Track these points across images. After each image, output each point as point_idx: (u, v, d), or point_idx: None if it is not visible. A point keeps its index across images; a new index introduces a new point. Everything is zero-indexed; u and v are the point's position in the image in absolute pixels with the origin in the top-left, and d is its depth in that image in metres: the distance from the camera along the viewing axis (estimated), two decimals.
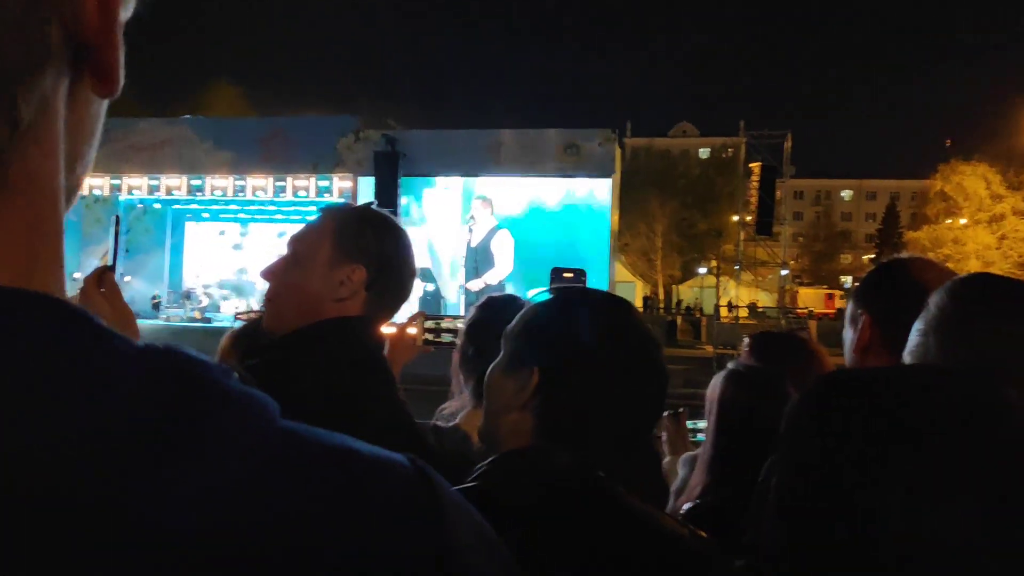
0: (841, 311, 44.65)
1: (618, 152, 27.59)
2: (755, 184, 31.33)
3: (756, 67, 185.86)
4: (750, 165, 31.04)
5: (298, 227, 1.47)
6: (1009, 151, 53.58)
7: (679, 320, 40.97)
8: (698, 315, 45.47)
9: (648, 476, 1.99)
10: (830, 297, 55.97)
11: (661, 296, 53.06)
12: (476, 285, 25.13)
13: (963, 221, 49.84)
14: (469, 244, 25.09)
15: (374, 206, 1.56)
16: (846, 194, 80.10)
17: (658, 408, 1.15)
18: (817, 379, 0.81)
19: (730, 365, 1.85)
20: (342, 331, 1.39)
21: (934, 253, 49.39)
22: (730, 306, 41.14)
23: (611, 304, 1.15)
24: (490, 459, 1.04)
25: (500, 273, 25.01)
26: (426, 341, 2.20)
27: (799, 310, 51.18)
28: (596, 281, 25.12)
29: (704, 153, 67.61)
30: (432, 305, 25.11)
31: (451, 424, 1.88)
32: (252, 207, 25.11)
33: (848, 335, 1.59)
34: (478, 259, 24.98)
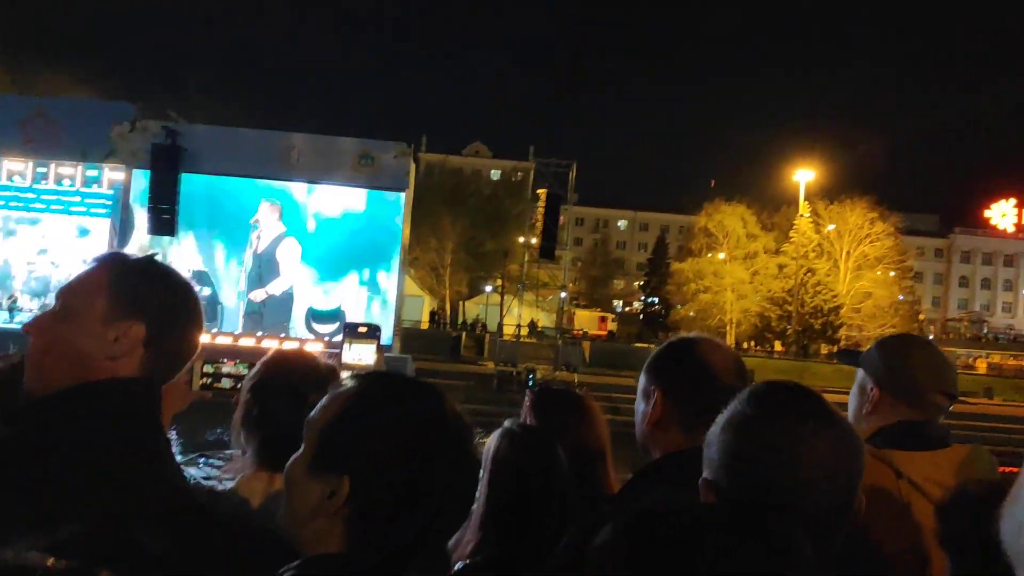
0: (612, 333, 46.99)
1: (412, 166, 27.72)
2: (541, 209, 32.50)
3: (548, 95, 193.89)
4: (538, 191, 32.33)
5: (61, 219, 1.31)
6: (763, 195, 59.55)
7: (464, 336, 41.58)
8: (481, 332, 46.43)
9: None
10: (603, 320, 59.30)
11: (447, 311, 53.69)
12: (258, 295, 24.14)
13: (722, 256, 54.58)
14: (254, 251, 24.09)
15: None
16: (622, 224, 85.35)
17: (470, 500, 1.13)
18: (629, 518, 0.81)
19: (506, 423, 1.90)
20: (113, 394, 1.24)
21: (696, 284, 53.79)
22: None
23: (423, 397, 1.09)
24: (297, 563, 1.00)
25: (284, 283, 24.21)
26: (203, 386, 2.06)
27: (575, 331, 53.82)
28: (384, 295, 25.03)
29: (495, 174, 69.50)
30: (208, 313, 23.90)
31: (230, 487, 1.78)
32: (7, 193, 22.57)
33: (640, 407, 1.67)
34: (262, 267, 24.03)
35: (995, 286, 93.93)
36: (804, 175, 55.33)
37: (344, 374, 2.73)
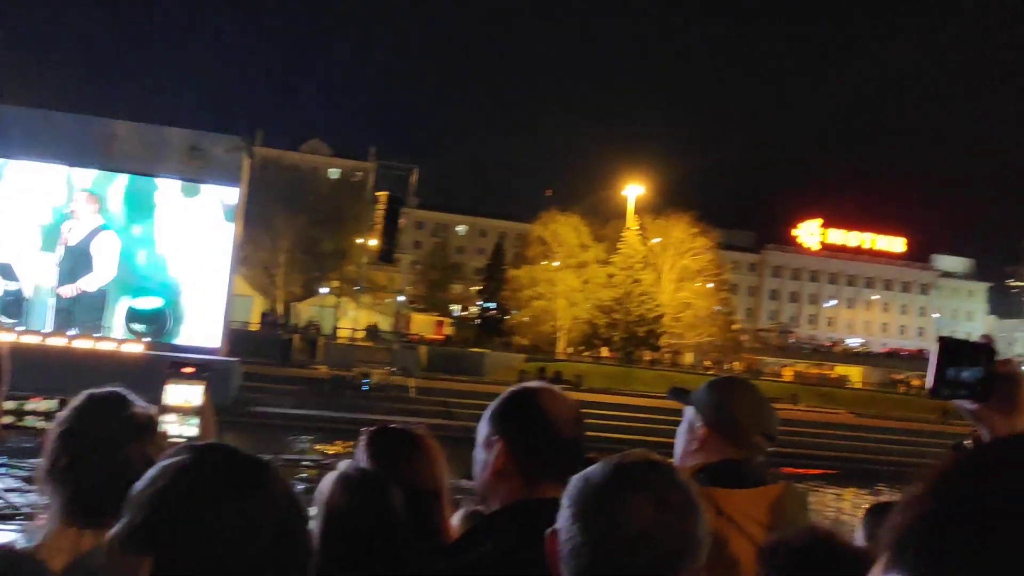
0: (449, 337, 47.07)
1: (246, 161, 26.67)
2: (381, 211, 32.13)
3: (391, 93, 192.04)
4: (377, 193, 31.97)
5: None
6: (596, 207, 61.71)
7: (295, 339, 40.37)
8: (314, 334, 45.27)
9: None
10: (440, 324, 59.46)
11: (280, 312, 51.99)
12: (68, 291, 22.41)
13: (556, 264, 56.12)
14: (66, 243, 22.34)
15: None
16: (462, 229, 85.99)
17: None
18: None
19: (341, 466, 1.86)
20: None
21: (531, 290, 54.99)
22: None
23: (252, 480, 1.04)
24: None
25: (99, 279, 22.58)
26: (4, 426, 1.87)
27: (412, 335, 53.64)
28: (213, 294, 23.89)
29: (334, 173, 68.04)
30: (13, 309, 21.87)
31: (31, 546, 1.61)
32: None
33: (481, 456, 1.67)
34: (75, 261, 22.33)
35: (801, 299, 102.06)
36: (633, 190, 57.88)
37: (169, 419, 2.58)
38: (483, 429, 1.69)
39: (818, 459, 27.38)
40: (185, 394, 2.70)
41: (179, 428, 2.59)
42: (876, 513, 2.10)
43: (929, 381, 1.29)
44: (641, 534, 1.13)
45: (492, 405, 1.71)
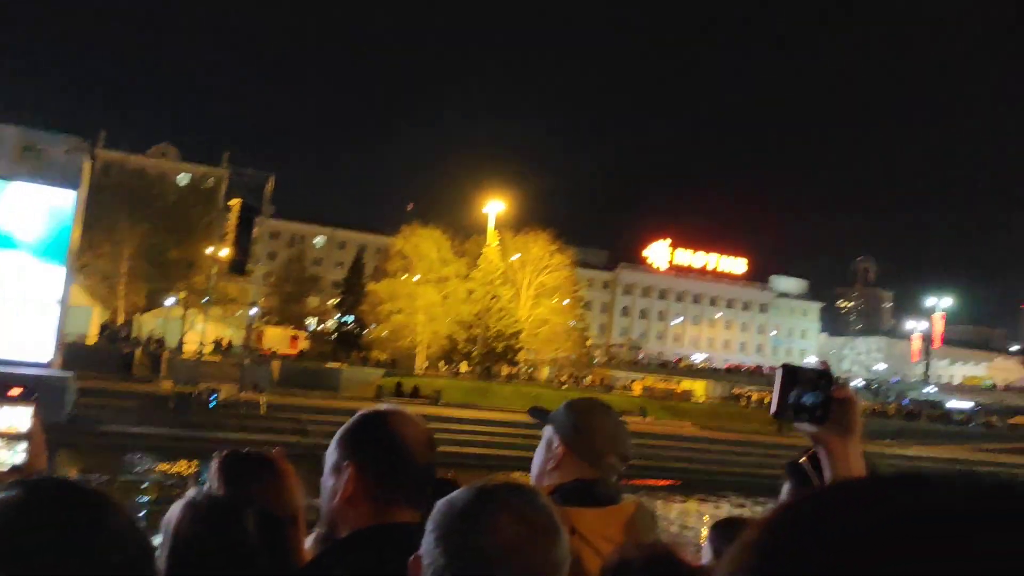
0: (303, 352, 45.65)
1: (87, 163, 25.10)
2: (233, 220, 30.98)
3: (246, 98, 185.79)
4: (230, 202, 30.78)
5: None
6: (457, 223, 61.97)
7: (138, 353, 38.15)
8: (157, 348, 42.92)
9: None
10: (295, 338, 57.80)
11: (122, 324, 49.02)
12: None
13: (416, 279, 55.85)
14: None
15: None
16: (319, 240, 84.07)
17: None
18: None
19: (190, 493, 1.79)
20: None
21: (390, 304, 54.47)
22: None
23: (83, 513, 0.97)
24: None
25: None
26: None
27: (264, 349, 51.86)
28: (47, 304, 22.26)
29: (184, 179, 64.94)
30: None
31: None
32: None
33: (329, 482, 1.63)
34: None
35: (651, 317, 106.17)
36: (494, 206, 58.54)
37: None
38: (332, 455, 1.65)
39: (665, 470, 28.46)
40: (11, 418, 2.50)
41: (4, 456, 2.40)
42: (721, 529, 2.21)
43: (773, 406, 1.37)
44: (504, 556, 1.15)
45: (342, 430, 1.68)
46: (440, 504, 1.22)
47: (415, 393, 41.09)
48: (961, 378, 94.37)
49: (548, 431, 2.15)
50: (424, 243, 56.53)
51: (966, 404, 64.06)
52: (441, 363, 55.91)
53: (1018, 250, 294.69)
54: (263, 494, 1.87)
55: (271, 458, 2.01)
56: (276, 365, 40.30)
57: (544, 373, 63.64)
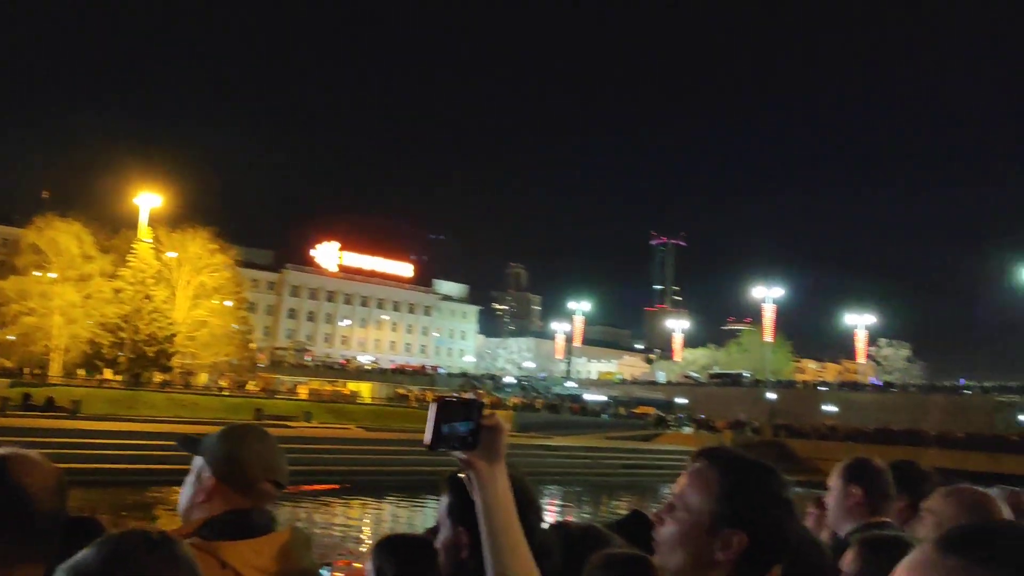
0: None
1: None
2: None
3: None
4: None
5: None
6: (103, 215, 56.29)
7: None
8: None
9: None
10: None
11: None
12: None
13: (53, 276, 49.74)
14: None
15: None
16: None
17: None
18: None
19: None
20: None
21: (20, 304, 47.89)
22: None
23: None
24: None
25: None
26: None
27: None
28: None
29: None
30: None
31: None
32: None
33: None
34: None
35: (318, 319, 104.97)
36: (148, 200, 54.11)
37: None
38: None
39: (330, 474, 28.29)
40: None
41: None
42: (385, 548, 2.23)
43: (427, 437, 1.47)
44: None
45: None
46: (62, 571, 1.13)
47: (49, 405, 36.46)
48: (597, 373, 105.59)
49: (198, 462, 2.07)
50: (62, 236, 50.54)
51: (601, 397, 71.64)
52: (81, 370, 50.27)
53: (642, 261, 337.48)
54: None
55: None
56: None
57: (203, 379, 60.03)
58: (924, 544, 0.76)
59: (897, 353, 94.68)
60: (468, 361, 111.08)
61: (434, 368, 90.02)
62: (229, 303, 58.78)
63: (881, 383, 76.96)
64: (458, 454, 1.47)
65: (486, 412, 1.49)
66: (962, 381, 73.45)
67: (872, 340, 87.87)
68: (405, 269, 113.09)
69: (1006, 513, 2.34)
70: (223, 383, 59.64)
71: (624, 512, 2.61)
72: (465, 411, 1.48)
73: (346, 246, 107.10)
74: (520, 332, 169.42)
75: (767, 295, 76.64)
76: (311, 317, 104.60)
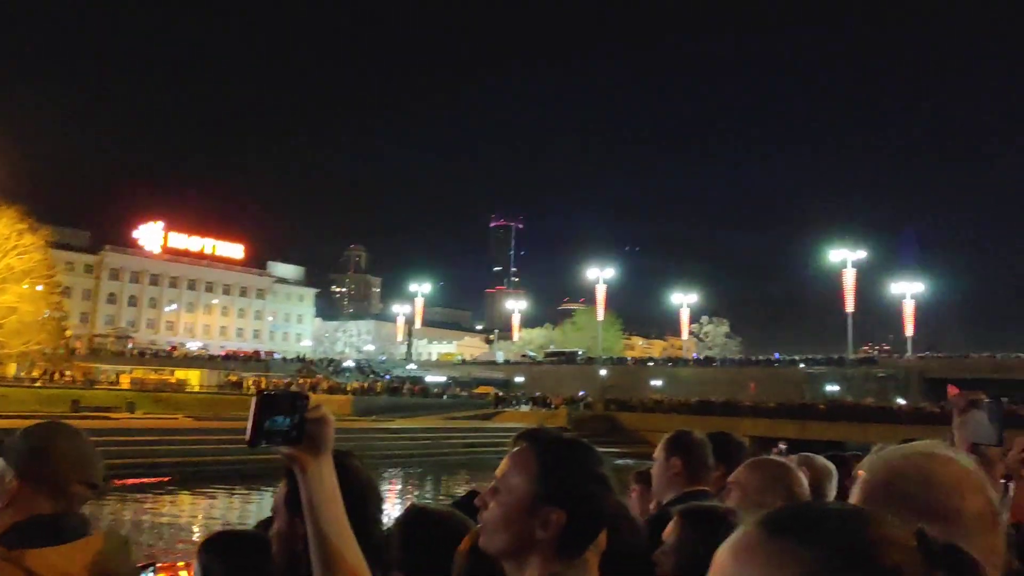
0: None
1: None
2: None
3: None
4: None
5: None
6: None
7: None
8: None
9: None
10: None
11: None
12: None
13: None
14: None
15: None
16: None
17: None
18: None
19: None
20: None
21: None
22: None
23: None
24: None
25: None
26: None
27: None
28: None
29: None
30: None
31: None
32: None
33: None
34: None
35: (141, 304, 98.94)
36: None
37: None
38: None
39: (157, 467, 26.97)
40: None
41: None
42: (209, 547, 2.12)
43: (248, 434, 1.41)
44: None
45: None
46: None
47: None
48: (438, 355, 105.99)
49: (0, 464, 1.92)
50: None
51: (442, 378, 72.01)
52: None
53: (482, 243, 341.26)
54: None
55: None
56: None
57: (11, 370, 55.29)
58: (748, 526, 0.77)
59: (717, 330, 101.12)
60: (305, 345, 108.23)
61: (269, 354, 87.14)
62: (40, 288, 54.38)
63: (703, 358, 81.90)
64: (282, 449, 1.42)
65: (311, 404, 1.46)
66: (777, 355, 79.39)
67: (695, 318, 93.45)
68: (236, 250, 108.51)
69: (803, 480, 2.56)
70: (35, 374, 55.29)
71: (464, 491, 2.65)
72: (289, 404, 1.43)
73: (172, 226, 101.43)
74: (360, 315, 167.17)
75: (600, 276, 79.61)
76: (133, 302, 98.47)
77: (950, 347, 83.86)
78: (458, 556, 1.81)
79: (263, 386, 54.98)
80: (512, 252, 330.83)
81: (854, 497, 1.20)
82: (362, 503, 1.68)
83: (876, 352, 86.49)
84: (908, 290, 71.30)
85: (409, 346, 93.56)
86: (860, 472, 1.25)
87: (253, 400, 1.42)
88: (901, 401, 51.98)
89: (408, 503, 2.24)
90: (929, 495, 1.13)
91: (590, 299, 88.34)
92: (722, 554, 0.76)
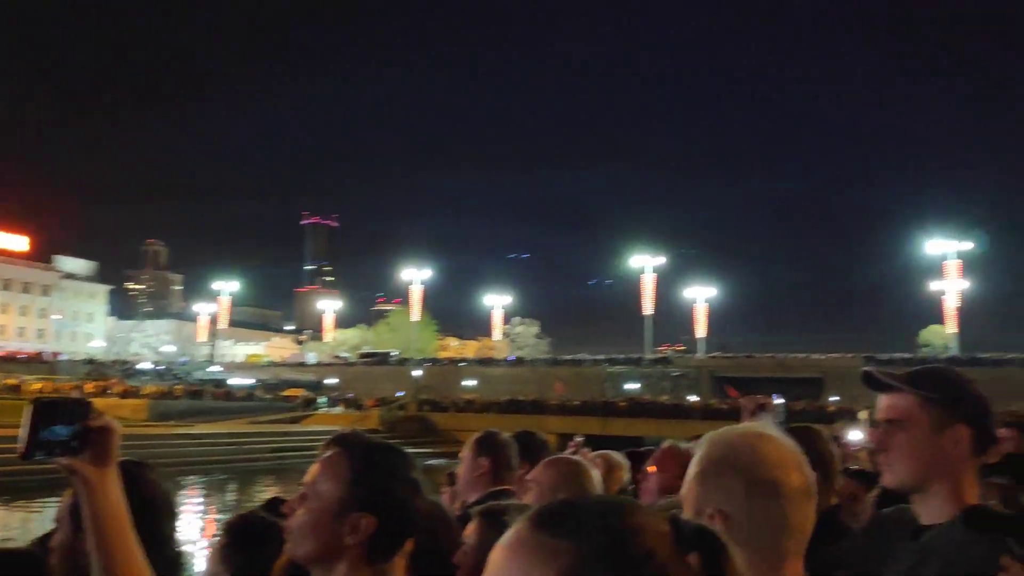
0: None
1: None
2: None
3: None
4: None
5: None
6: None
7: None
8: None
9: None
10: None
11: None
12: None
13: None
14: None
15: None
16: None
17: None
18: None
19: None
20: None
21: None
22: None
23: None
24: None
25: None
26: None
27: None
28: None
29: None
30: None
31: None
32: None
33: None
34: None
35: None
36: None
37: None
38: None
39: None
40: None
41: None
42: None
43: (21, 446, 1.30)
44: None
45: None
46: None
47: None
48: (244, 356, 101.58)
49: None
50: None
51: (248, 381, 69.05)
52: None
53: (293, 241, 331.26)
54: None
55: None
56: None
57: None
58: (519, 522, 0.81)
59: (528, 330, 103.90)
60: (97, 346, 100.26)
61: (55, 355, 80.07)
62: None
63: (514, 358, 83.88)
64: (61, 461, 1.33)
65: (94, 412, 1.37)
66: (583, 356, 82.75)
67: (507, 319, 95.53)
68: (18, 242, 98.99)
69: (596, 477, 2.72)
70: None
71: (268, 497, 2.59)
72: (69, 412, 1.35)
73: None
74: (158, 314, 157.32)
75: (416, 276, 79.56)
76: None
77: (739, 348, 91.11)
78: (276, 570, 1.77)
79: (44, 391, 50.40)
80: (325, 250, 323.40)
81: (692, 469, 1.38)
82: (153, 517, 1.60)
83: (672, 352, 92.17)
84: (701, 294, 77.06)
85: (213, 347, 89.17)
86: (650, 468, 1.40)
87: (28, 408, 1.32)
88: (693, 398, 55.63)
89: (236, 512, 2.15)
90: (758, 468, 1.30)
91: (406, 299, 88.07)
92: (496, 551, 0.81)
